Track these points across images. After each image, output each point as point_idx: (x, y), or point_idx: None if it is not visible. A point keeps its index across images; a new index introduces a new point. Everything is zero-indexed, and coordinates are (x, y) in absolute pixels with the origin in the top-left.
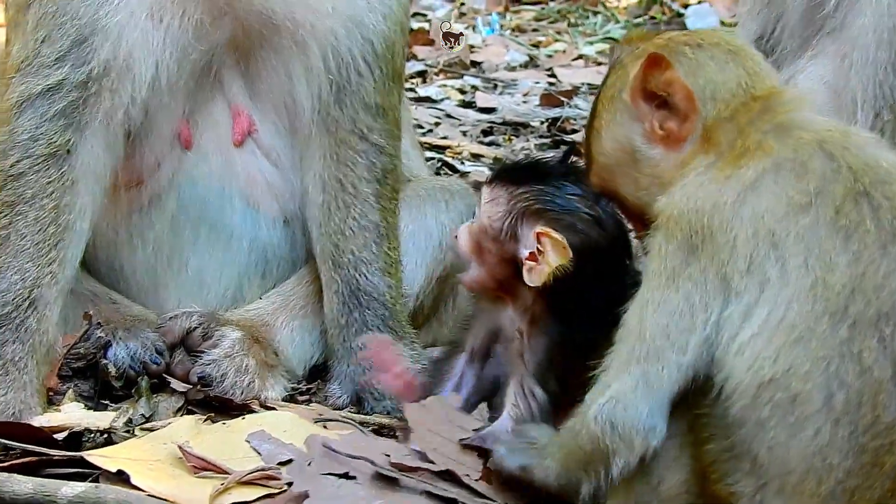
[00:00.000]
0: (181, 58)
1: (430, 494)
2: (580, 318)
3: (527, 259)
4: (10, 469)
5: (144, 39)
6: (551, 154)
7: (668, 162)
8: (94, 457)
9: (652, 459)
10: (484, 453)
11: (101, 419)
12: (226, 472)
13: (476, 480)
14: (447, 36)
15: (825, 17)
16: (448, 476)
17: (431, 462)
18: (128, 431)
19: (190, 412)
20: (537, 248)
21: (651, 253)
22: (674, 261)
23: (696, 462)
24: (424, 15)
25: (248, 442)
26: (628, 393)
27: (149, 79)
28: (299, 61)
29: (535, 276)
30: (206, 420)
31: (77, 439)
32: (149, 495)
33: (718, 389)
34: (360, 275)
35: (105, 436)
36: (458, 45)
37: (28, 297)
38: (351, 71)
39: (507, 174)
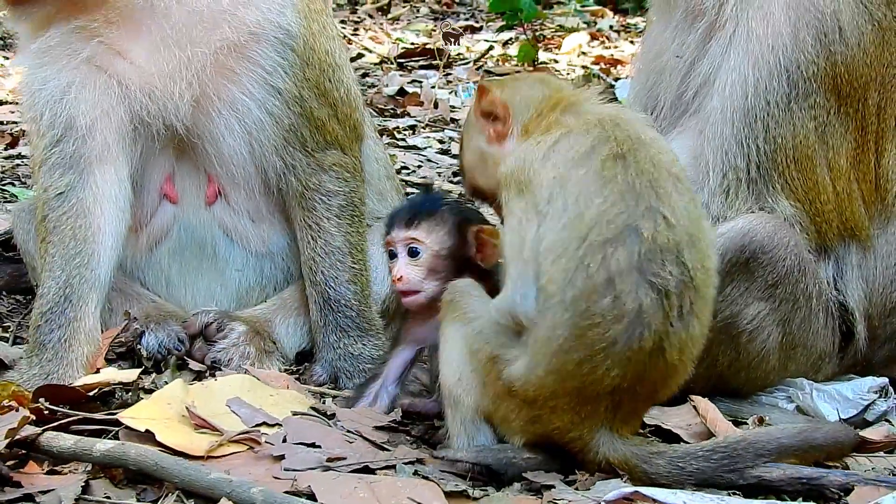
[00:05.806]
0: (124, 120)
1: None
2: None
3: (477, 254)
4: (57, 428)
5: (85, 108)
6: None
7: (501, 153)
8: (126, 418)
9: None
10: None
11: (129, 375)
12: (219, 431)
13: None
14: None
15: (688, 102)
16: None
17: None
18: (146, 391)
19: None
20: (479, 244)
21: (503, 203)
22: (514, 201)
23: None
24: (420, 82)
25: (229, 406)
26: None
27: (96, 137)
28: (244, 144)
29: (491, 258)
30: (191, 381)
31: (108, 396)
32: (160, 449)
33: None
34: (329, 288)
35: (129, 393)
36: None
37: (63, 294)
38: (286, 156)
39: (423, 213)
